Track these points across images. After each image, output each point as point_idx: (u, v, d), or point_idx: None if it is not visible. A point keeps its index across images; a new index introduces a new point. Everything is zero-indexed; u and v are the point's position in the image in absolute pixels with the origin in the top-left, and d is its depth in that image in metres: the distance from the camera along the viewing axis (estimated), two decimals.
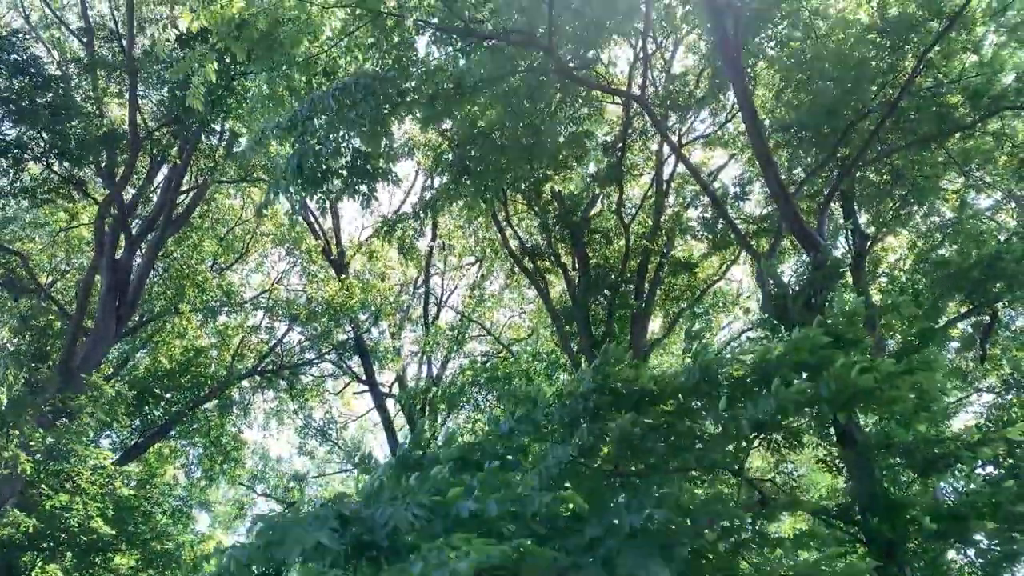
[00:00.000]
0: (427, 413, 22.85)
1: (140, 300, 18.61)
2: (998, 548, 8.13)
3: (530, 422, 8.05)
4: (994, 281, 10.11)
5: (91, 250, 19.00)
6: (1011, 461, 9.19)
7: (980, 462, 8.62)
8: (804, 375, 7.28)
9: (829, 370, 6.78)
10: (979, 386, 16.75)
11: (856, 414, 8.78)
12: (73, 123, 16.00)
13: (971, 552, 8.76)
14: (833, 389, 6.65)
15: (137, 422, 20.82)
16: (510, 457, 8.03)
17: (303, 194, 10.60)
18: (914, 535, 8.26)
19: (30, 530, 13.44)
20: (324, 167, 9.88)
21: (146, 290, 19.21)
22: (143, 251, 18.35)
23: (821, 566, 7.17)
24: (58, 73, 17.28)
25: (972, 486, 8.46)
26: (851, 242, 14.96)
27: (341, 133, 9.96)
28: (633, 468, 8.23)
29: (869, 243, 15.45)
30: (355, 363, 23.51)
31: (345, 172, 10.07)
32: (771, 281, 10.77)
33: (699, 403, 7.88)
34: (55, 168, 17.15)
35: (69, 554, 15.24)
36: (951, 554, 9.70)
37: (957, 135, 13.85)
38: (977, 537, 7.78)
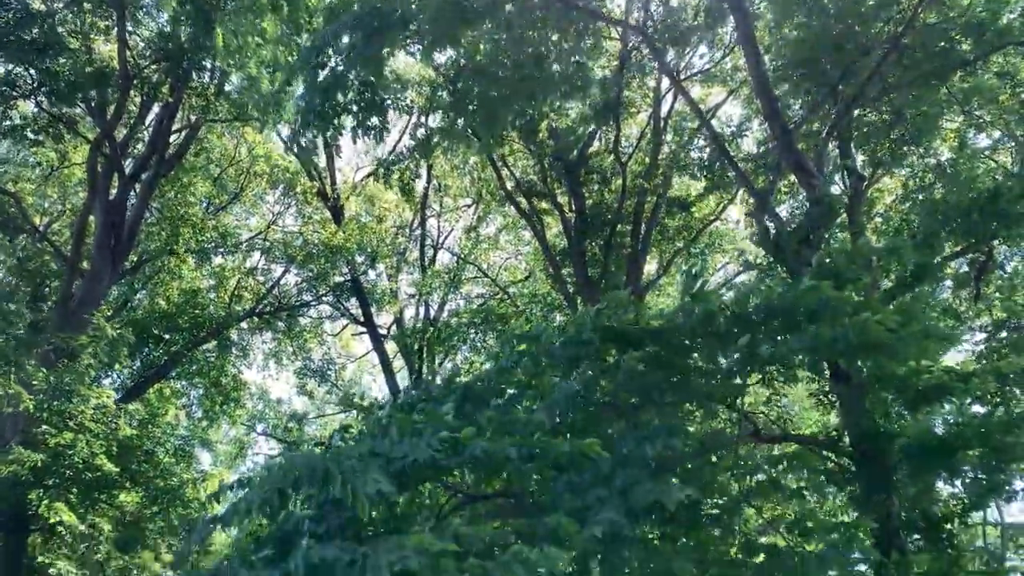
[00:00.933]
0: (425, 355, 23.06)
1: (136, 241, 18.55)
2: (985, 478, 8.33)
3: (531, 358, 8.16)
4: (991, 220, 10.12)
5: (84, 191, 18.85)
6: (1000, 397, 9.37)
7: (970, 399, 8.77)
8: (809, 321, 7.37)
9: (845, 321, 6.83)
10: (972, 326, 16.90)
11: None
12: (61, 60, 15.69)
13: (958, 483, 8.96)
14: (851, 340, 6.72)
15: (137, 363, 20.99)
16: (512, 391, 8.17)
17: (317, 132, 10.51)
18: (903, 466, 8.45)
19: (36, 466, 13.62)
20: (334, 102, 9.79)
21: (141, 231, 19.13)
22: (137, 191, 18.21)
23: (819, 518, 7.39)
24: (43, 8, 16.86)
25: (962, 419, 8.61)
26: (847, 183, 14.92)
27: (350, 65, 9.83)
28: (633, 403, 8.39)
29: (865, 184, 15.40)
30: (353, 305, 23.60)
31: (354, 106, 9.96)
32: (768, 218, 10.77)
33: (698, 343, 7.99)
34: (44, 106, 16.88)
35: (75, 490, 15.50)
36: (939, 485, 9.94)
37: (959, 74, 13.69)
38: (965, 468, 7.98)
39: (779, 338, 7.60)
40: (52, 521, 14.15)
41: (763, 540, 7.38)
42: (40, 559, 17.05)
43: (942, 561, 8.02)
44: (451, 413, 7.18)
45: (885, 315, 6.96)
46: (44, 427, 14.21)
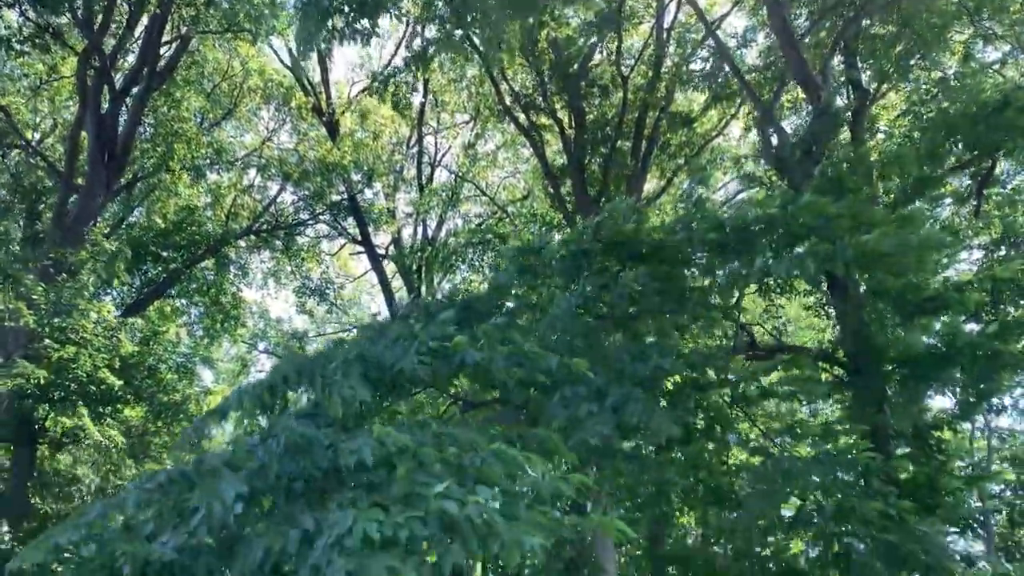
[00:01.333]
0: (423, 274, 23.09)
1: (130, 157, 18.31)
2: (975, 388, 8.47)
3: (530, 273, 8.18)
4: (997, 131, 9.98)
5: (75, 105, 18.49)
6: (994, 311, 9.45)
7: (965, 313, 8.83)
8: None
9: (846, 238, 6.81)
10: (971, 244, 16.89)
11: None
12: None
13: (949, 394, 9.12)
14: (850, 252, 6.71)
15: (136, 281, 21.04)
16: (510, 304, 8.21)
17: (312, 36, 10.18)
18: (896, 376, 8.58)
19: (40, 381, 13.80)
20: (325, 4, 9.46)
21: (135, 147, 18.87)
22: (128, 105, 17.87)
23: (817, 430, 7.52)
24: None
25: (956, 331, 8.69)
26: (851, 97, 14.67)
27: None
28: (631, 315, 8.44)
29: (869, 99, 15.13)
30: (350, 224, 23.47)
31: (345, 7, 9.63)
32: (771, 130, 10.62)
33: (698, 254, 7.98)
34: (30, 16, 16.39)
35: (80, 404, 15.76)
36: (930, 396, 10.10)
37: None
38: (958, 376, 8.11)
39: (778, 251, 7.60)
40: (70, 426, 14.42)
41: (756, 446, 7.55)
42: (51, 466, 17.53)
43: (929, 467, 8.24)
44: (449, 324, 7.23)
45: (885, 227, 6.94)
46: (46, 342, 14.34)
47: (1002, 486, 16.95)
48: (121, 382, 15.40)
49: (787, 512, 7.20)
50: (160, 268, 20.47)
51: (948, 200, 16.59)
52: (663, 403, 7.67)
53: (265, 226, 22.20)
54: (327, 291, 24.69)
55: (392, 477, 4.56)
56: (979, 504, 15.16)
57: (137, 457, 16.75)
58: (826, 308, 10.04)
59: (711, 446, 7.56)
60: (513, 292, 7.86)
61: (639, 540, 18.89)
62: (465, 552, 4.05)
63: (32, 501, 15.66)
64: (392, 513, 4.10)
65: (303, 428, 5.15)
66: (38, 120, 20.99)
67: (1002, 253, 15.72)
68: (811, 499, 6.29)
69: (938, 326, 8.37)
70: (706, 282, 8.15)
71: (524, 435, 6.81)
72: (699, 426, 7.60)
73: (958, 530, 8.75)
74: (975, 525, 9.00)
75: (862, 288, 8.97)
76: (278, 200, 22.93)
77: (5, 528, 14.56)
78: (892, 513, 5.86)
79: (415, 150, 24.17)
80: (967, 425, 18.72)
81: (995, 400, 13.66)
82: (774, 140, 11.03)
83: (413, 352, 6.31)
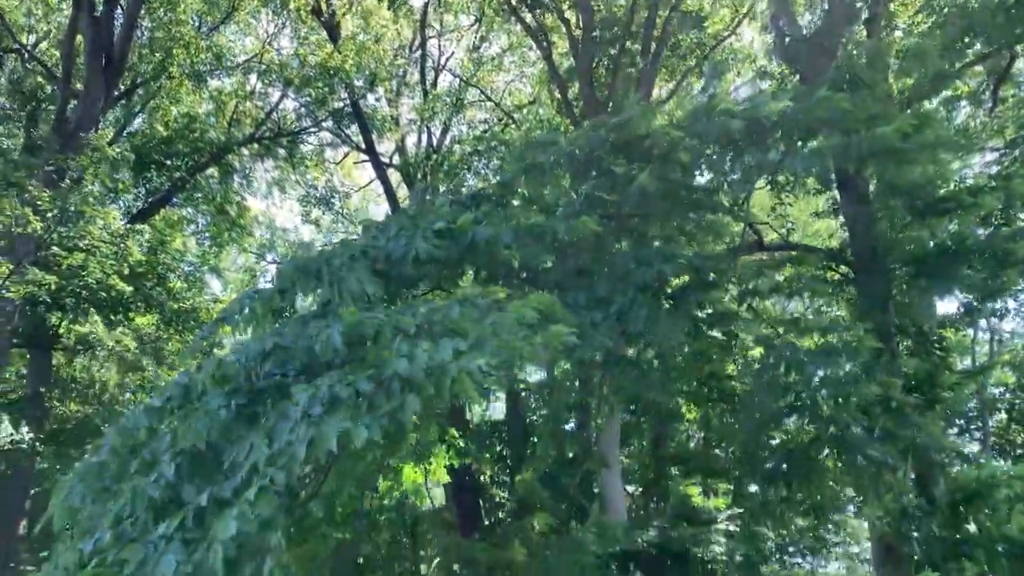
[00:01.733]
0: (428, 183, 22.87)
1: (128, 63, 17.92)
2: (984, 287, 8.47)
3: (537, 171, 8.08)
4: (1016, 24, 9.67)
5: (68, 8, 17.97)
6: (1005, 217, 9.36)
7: (978, 215, 8.75)
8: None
9: (862, 131, 6.67)
10: (984, 146, 16.61)
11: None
12: None
13: (957, 293, 9.13)
14: (864, 148, 6.58)
15: (141, 190, 20.97)
16: (515, 201, 8.16)
17: None
18: (903, 275, 8.59)
19: (51, 288, 13.93)
20: None
21: (133, 51, 18.44)
22: (124, 8, 17.37)
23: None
24: None
25: (966, 231, 8.64)
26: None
27: None
28: (638, 217, 8.39)
29: None
30: (353, 132, 23.11)
31: None
32: (786, 25, 10.29)
33: (712, 149, 7.86)
34: None
35: (92, 311, 15.95)
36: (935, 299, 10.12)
37: None
38: (967, 273, 8.10)
39: (791, 146, 7.48)
40: (82, 332, 14.65)
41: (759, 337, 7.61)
42: (68, 373, 17.93)
43: (930, 363, 8.34)
44: (450, 209, 7.19)
45: (900, 122, 6.81)
46: (55, 249, 14.41)
47: (1001, 389, 17.26)
48: (131, 289, 15.56)
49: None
50: (164, 177, 20.34)
51: (964, 103, 16.26)
52: (667, 306, 7.71)
53: (268, 133, 21.92)
54: (332, 200, 24.58)
55: (365, 353, 4.70)
56: (978, 406, 15.44)
57: (152, 361, 17.09)
58: (835, 208, 9.95)
59: (717, 339, 7.65)
60: (519, 191, 7.79)
61: (642, 443, 19.43)
62: (421, 400, 4.23)
63: (50, 406, 16.06)
64: (349, 379, 4.30)
65: (311, 318, 5.23)
66: (32, 23, 20.44)
67: (1016, 155, 15.50)
68: (812, 387, 6.40)
69: (952, 222, 8.32)
70: (716, 181, 8.06)
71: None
72: (704, 323, 7.67)
73: (956, 430, 8.96)
74: (972, 424, 9.20)
75: (872, 187, 8.87)
76: (280, 107, 22.56)
77: (26, 430, 15.01)
78: (892, 403, 5.96)
79: (418, 54, 23.56)
80: (969, 331, 18.84)
81: (999, 304, 13.72)
82: (787, 38, 10.69)
83: (420, 237, 6.30)
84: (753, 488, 13.26)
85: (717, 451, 18.38)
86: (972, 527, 8.60)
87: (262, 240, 27.55)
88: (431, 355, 4.32)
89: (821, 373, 6.66)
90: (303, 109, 22.33)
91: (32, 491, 15.84)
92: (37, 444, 15.16)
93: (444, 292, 8.27)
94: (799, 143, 7.45)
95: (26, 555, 15.44)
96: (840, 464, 7.62)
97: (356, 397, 4.26)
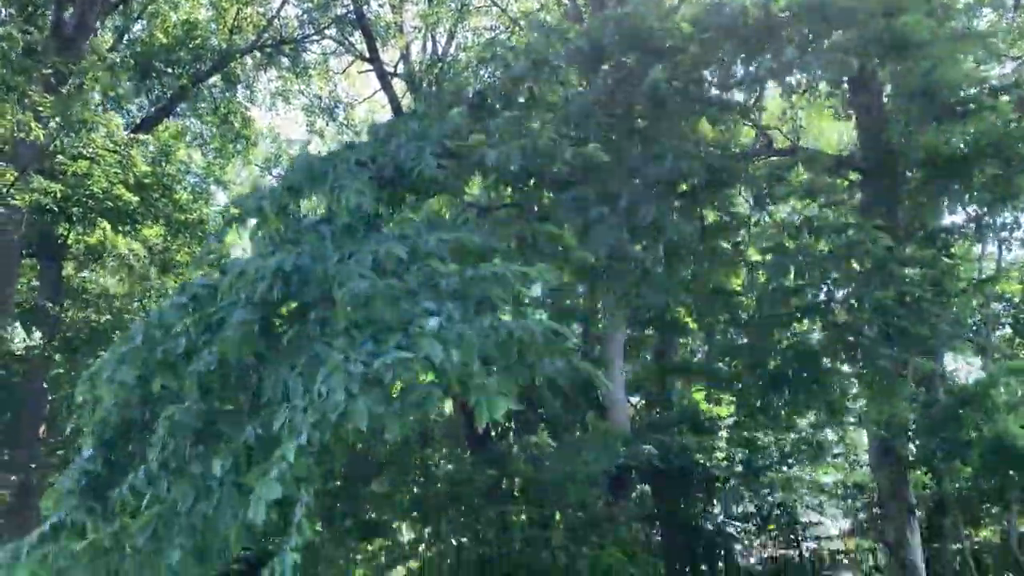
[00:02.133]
0: (433, 91, 22.40)
1: None
2: (996, 191, 8.35)
3: (546, 66, 7.90)
4: None
5: None
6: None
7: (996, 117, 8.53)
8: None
9: (881, 23, 6.47)
10: (1005, 54, 16.13)
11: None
12: None
13: (967, 197, 9.00)
14: (887, 39, 6.39)
15: (144, 100, 20.67)
16: (521, 100, 8.01)
17: None
18: (913, 178, 8.48)
19: (57, 195, 13.88)
20: None
21: None
22: None
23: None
24: None
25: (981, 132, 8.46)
26: None
27: None
28: (648, 117, 8.24)
29: None
30: (357, 40, 22.56)
31: None
32: None
33: (726, 47, 7.65)
34: None
35: (99, 220, 15.97)
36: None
37: None
38: (978, 175, 7.99)
39: (806, 44, 7.29)
40: (92, 242, 14.67)
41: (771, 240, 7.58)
42: (79, 284, 18.09)
43: (937, 268, 8.29)
44: (462, 118, 7.08)
45: (919, 15, 6.60)
46: (59, 157, 14.30)
47: (1005, 304, 17.25)
48: (137, 199, 15.52)
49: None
50: (166, 85, 19.99)
51: (986, 9, 15.69)
52: (678, 204, 7.66)
53: (270, 41, 21.41)
54: (336, 110, 24.20)
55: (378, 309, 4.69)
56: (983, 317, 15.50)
57: (161, 270, 17.23)
58: (846, 110, 9.72)
59: (725, 245, 7.63)
60: (527, 86, 7.64)
61: (646, 356, 19.68)
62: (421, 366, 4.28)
63: (61, 315, 16.22)
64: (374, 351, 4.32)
65: (297, 258, 5.23)
66: None
67: None
68: (824, 288, 6.41)
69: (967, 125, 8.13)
70: (727, 80, 7.89)
71: (536, 232, 6.86)
72: (714, 225, 7.63)
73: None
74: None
75: (887, 89, 8.66)
76: (282, 14, 21.96)
77: (38, 335, 15.24)
78: (907, 298, 5.95)
79: None
80: (977, 248, 18.73)
81: (1008, 217, 13.58)
82: None
83: (428, 153, 6.23)
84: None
85: (721, 364, 18.59)
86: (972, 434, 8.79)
87: (267, 154, 27.29)
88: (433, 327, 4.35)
89: (835, 275, 6.66)
90: (305, 16, 21.74)
91: (50, 397, 16.19)
92: (48, 352, 15.42)
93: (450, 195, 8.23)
94: (814, 41, 7.25)
95: (46, 458, 15.89)
96: (852, 368, 7.71)
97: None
